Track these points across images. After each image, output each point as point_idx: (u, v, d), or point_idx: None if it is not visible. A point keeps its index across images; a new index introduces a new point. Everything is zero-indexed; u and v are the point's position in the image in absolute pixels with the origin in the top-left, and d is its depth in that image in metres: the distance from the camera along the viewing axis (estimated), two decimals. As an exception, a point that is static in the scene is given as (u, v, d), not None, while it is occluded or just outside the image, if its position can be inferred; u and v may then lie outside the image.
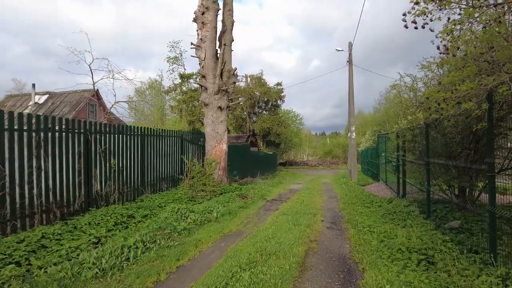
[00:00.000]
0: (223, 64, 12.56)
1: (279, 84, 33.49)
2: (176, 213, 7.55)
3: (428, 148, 7.21)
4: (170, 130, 11.28)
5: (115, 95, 26.05)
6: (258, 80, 33.23)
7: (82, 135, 7.34)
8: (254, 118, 34.36)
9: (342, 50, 21.67)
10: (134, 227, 7.02)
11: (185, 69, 34.68)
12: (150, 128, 10.11)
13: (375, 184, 16.49)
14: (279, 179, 23.62)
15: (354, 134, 19.87)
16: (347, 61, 21.16)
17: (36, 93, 24.96)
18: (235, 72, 12.81)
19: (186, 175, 10.71)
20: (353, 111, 20.16)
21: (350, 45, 21.22)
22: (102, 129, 7.99)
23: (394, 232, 6.16)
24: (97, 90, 23.91)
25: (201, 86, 12.51)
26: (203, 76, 12.43)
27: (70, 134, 7.00)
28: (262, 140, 34.50)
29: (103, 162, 7.94)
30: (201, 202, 9.97)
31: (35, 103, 24.15)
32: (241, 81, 33.97)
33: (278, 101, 33.71)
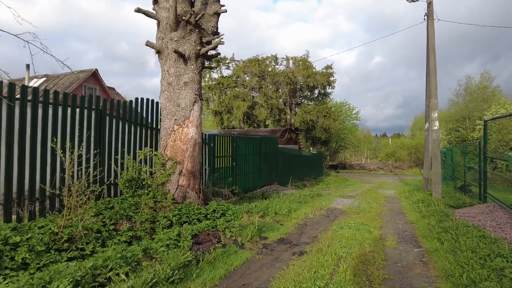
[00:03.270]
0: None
1: (328, 67, 26.70)
2: None
3: None
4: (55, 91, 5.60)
5: None
6: (303, 63, 26.78)
7: None
8: (296, 110, 27.94)
9: (417, 0, 14.53)
10: None
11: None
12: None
13: (481, 207, 9.28)
14: (320, 187, 17.07)
15: (437, 124, 12.68)
16: (425, 15, 13.97)
17: (35, 77, 21.35)
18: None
19: (69, 189, 4.89)
20: (435, 87, 12.95)
21: (431, -9, 14.01)
22: None
23: None
24: (96, 70, 19.51)
25: (153, 19, 6.69)
26: (155, 0, 6.62)
27: None
28: (305, 136, 27.94)
29: None
30: (76, 258, 4.14)
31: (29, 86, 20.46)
32: (280, 64, 27.80)
33: (327, 88, 26.89)
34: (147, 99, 7.23)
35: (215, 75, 28.98)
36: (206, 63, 7.17)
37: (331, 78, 25.89)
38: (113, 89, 25.33)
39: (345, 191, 15.35)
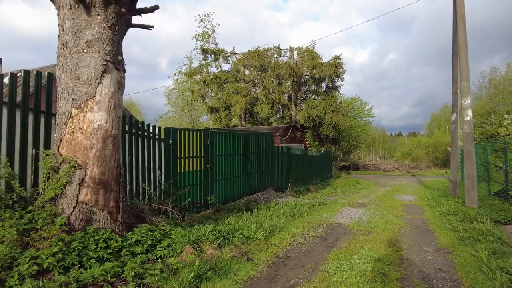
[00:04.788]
0: None
1: (337, 57, 24.06)
2: None
3: None
4: None
5: None
6: (308, 54, 24.21)
7: None
8: (302, 106, 25.38)
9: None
10: None
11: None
12: None
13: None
14: (326, 193, 14.55)
15: (469, 113, 10.01)
16: (452, -20, 11.30)
17: (11, 73, 19.49)
18: None
19: None
20: (466, 67, 10.27)
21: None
22: None
23: None
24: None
25: None
26: None
27: None
28: (311, 134, 25.35)
29: None
30: None
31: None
32: (284, 56, 25.32)
33: (335, 80, 24.21)
34: (37, 72, 4.85)
35: (214, 70, 26.73)
36: (134, 20, 4.81)
37: (340, 69, 23.19)
38: (101, 85, 23.36)
39: (354, 198, 12.78)
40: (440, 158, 39.26)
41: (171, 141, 7.15)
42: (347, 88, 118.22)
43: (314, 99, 24.78)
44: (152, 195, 6.62)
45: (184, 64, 32.11)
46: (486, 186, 13.32)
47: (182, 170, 7.57)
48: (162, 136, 7.17)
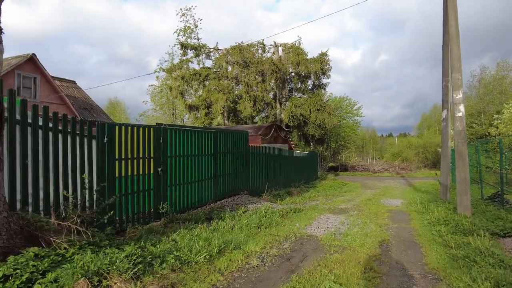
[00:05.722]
0: None
1: (323, 54, 22.97)
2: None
3: None
4: None
5: None
6: (294, 50, 23.10)
7: None
8: (287, 104, 24.25)
9: None
10: None
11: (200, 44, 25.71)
12: None
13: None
14: (307, 196, 13.40)
15: (462, 108, 8.93)
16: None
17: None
18: None
19: None
20: (457, 58, 9.20)
21: None
22: None
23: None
24: (33, 55, 15.91)
25: None
26: None
27: None
28: (296, 133, 24.21)
29: None
30: None
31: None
32: (268, 51, 24.16)
33: (321, 78, 23.11)
34: None
35: (196, 66, 25.43)
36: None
37: (326, 66, 22.09)
38: (73, 82, 21.89)
39: (337, 202, 11.65)
40: (430, 159, 38.58)
41: (106, 139, 5.90)
42: (339, 89, 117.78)
43: (300, 97, 23.67)
44: (79, 206, 5.38)
45: (166, 61, 30.72)
46: (478, 189, 12.30)
47: (123, 174, 6.32)
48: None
